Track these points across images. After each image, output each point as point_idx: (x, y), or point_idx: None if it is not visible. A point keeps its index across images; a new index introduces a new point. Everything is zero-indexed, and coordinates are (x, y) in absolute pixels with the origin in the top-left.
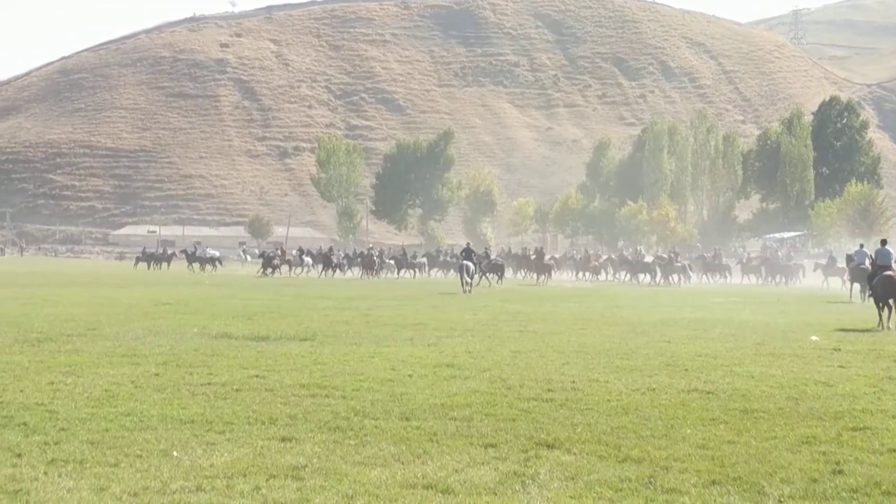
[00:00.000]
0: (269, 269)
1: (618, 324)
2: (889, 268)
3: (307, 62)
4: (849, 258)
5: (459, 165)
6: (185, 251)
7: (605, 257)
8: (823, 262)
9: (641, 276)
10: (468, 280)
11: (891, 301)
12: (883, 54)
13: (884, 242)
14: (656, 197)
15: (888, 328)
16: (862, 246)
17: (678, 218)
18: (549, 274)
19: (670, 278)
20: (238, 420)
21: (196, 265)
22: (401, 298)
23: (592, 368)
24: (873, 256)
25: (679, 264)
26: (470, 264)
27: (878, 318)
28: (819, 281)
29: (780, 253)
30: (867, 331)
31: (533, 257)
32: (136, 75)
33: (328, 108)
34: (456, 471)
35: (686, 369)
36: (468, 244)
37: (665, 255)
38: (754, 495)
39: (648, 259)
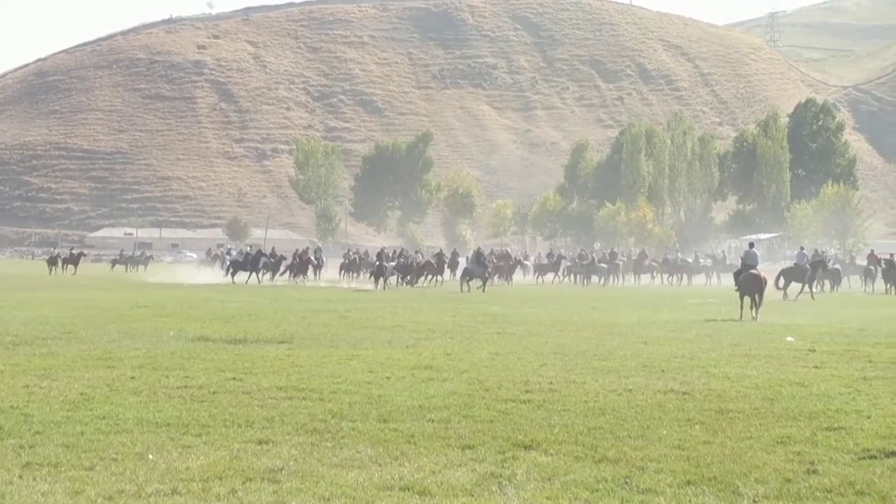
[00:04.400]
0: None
1: (595, 325)
2: (755, 267)
3: (285, 64)
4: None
5: (438, 167)
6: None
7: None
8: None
9: (594, 277)
10: (475, 281)
11: (756, 297)
12: (858, 56)
13: (751, 245)
14: (634, 199)
15: (753, 318)
16: (752, 246)
17: (656, 219)
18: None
19: (589, 279)
20: (214, 423)
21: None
22: (381, 300)
23: (570, 370)
24: (742, 257)
25: (604, 265)
26: (476, 267)
27: (739, 310)
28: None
29: (679, 254)
30: (843, 334)
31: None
32: (113, 77)
33: (306, 109)
34: (433, 472)
35: (662, 370)
36: (478, 248)
37: (587, 255)
38: (729, 495)
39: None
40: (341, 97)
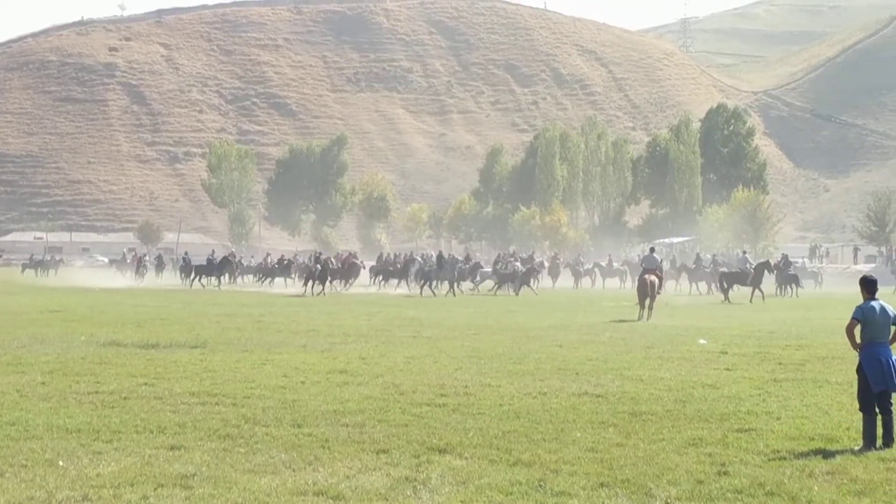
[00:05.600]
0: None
1: (511, 329)
2: (653, 271)
3: (198, 67)
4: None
5: (353, 171)
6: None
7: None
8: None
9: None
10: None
11: (648, 299)
12: (769, 62)
13: (652, 250)
14: (548, 202)
15: (647, 318)
16: (653, 250)
17: (570, 223)
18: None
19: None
20: (126, 429)
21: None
22: (295, 305)
23: (485, 373)
24: (642, 261)
25: (486, 269)
26: (437, 270)
27: (637, 312)
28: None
29: (581, 258)
30: (753, 336)
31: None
32: (23, 79)
33: (219, 112)
34: (347, 477)
35: (577, 373)
36: (440, 251)
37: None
38: (642, 497)
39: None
40: (255, 100)
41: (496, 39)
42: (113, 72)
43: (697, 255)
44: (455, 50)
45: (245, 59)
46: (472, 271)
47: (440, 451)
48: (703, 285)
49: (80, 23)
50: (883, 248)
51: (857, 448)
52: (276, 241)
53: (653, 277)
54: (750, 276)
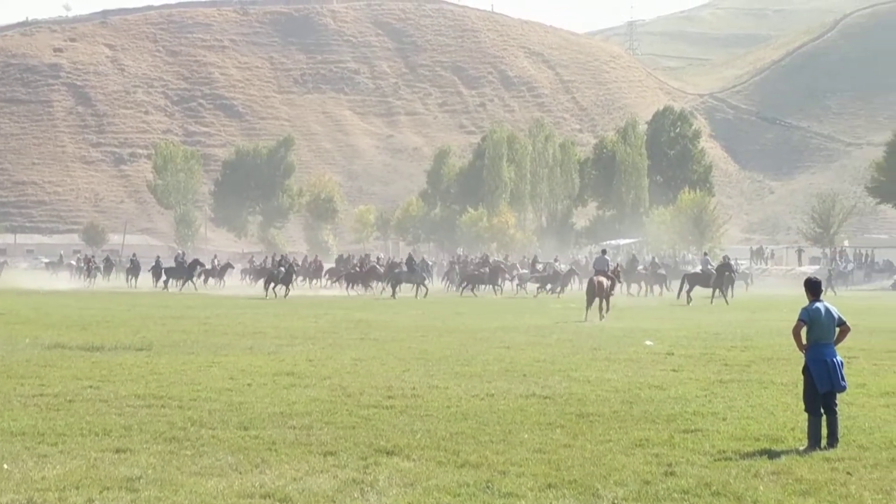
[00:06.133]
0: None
1: (458, 330)
2: (604, 273)
3: (143, 67)
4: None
5: (300, 172)
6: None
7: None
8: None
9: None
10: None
11: (604, 300)
12: (715, 65)
13: (603, 252)
14: (496, 204)
15: (601, 318)
16: (604, 252)
17: (517, 225)
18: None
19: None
20: (71, 432)
21: None
22: (241, 307)
23: (433, 375)
24: (594, 263)
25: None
26: (407, 273)
27: (585, 312)
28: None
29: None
30: (696, 338)
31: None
32: None
33: (165, 113)
34: (294, 479)
35: (524, 374)
36: (410, 253)
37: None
38: (589, 498)
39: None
40: (201, 101)
41: (443, 41)
42: (58, 73)
43: (633, 256)
44: (402, 52)
45: (191, 61)
46: (491, 276)
47: (387, 453)
48: (635, 287)
49: (25, 23)
50: (827, 250)
51: (802, 448)
52: (222, 243)
53: (600, 279)
54: (712, 278)
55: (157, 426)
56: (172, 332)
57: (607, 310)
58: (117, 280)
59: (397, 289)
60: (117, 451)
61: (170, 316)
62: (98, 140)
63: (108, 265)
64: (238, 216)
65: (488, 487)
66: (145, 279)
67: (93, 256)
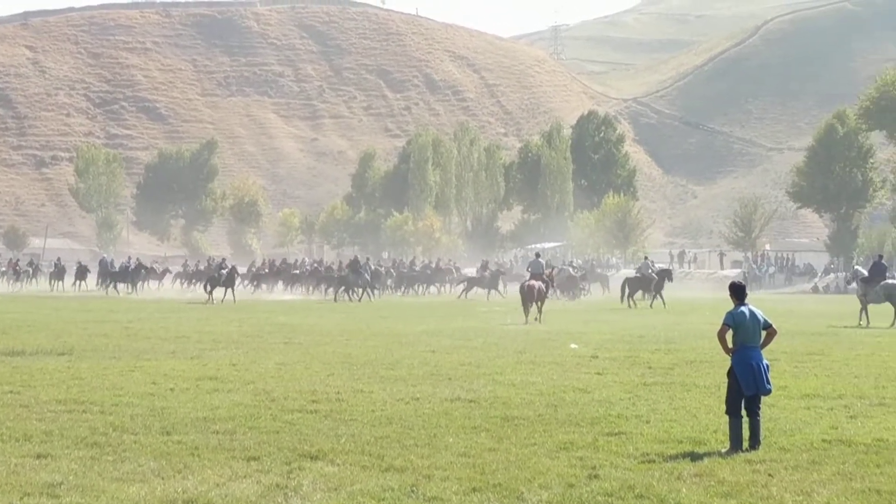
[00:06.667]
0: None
1: (383, 334)
2: (539, 277)
3: (65, 70)
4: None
5: (224, 176)
6: None
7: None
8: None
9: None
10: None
11: (538, 303)
12: (638, 70)
13: (537, 255)
14: (421, 208)
15: (536, 320)
16: (538, 256)
17: (443, 229)
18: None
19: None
20: None
21: None
22: (164, 311)
23: (357, 379)
24: (528, 266)
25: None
26: (352, 276)
27: (524, 316)
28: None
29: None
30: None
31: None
32: None
33: (87, 116)
34: (217, 485)
35: (449, 378)
36: (355, 256)
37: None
38: (513, 501)
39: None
40: (123, 104)
41: (368, 45)
42: None
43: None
44: (327, 55)
45: (113, 63)
46: (492, 279)
47: (312, 458)
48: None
49: None
50: (748, 254)
51: (724, 450)
52: (144, 247)
53: (532, 282)
54: (654, 282)
55: (79, 431)
56: (94, 336)
57: (540, 312)
58: (40, 284)
59: (341, 291)
60: (38, 456)
61: (92, 320)
62: (19, 143)
63: (34, 269)
64: (161, 220)
65: (413, 492)
66: (70, 283)
67: (17, 260)
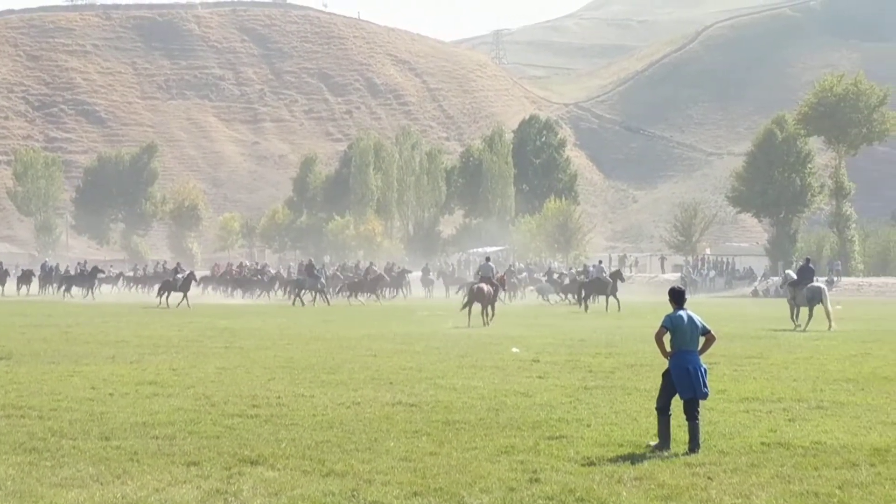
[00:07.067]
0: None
1: (325, 338)
2: (489, 280)
3: (3, 72)
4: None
5: (164, 179)
6: None
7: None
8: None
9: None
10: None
11: (489, 307)
12: (580, 75)
13: (487, 259)
14: (363, 212)
15: (486, 324)
16: (488, 259)
17: (385, 233)
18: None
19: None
20: None
21: None
22: (103, 315)
23: (298, 383)
24: (479, 270)
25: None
26: (307, 279)
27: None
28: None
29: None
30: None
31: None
32: None
33: (25, 119)
34: (157, 490)
35: (391, 382)
36: (310, 260)
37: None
38: None
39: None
40: (63, 107)
41: (309, 48)
42: None
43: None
44: (268, 58)
45: (52, 66)
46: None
47: (252, 463)
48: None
49: None
50: (689, 258)
51: (653, 443)
52: (83, 251)
53: (482, 285)
54: (609, 286)
55: (17, 437)
56: (33, 340)
57: (492, 316)
58: None
59: (298, 295)
60: None
61: (30, 324)
62: None
63: None
64: (100, 224)
65: (354, 496)
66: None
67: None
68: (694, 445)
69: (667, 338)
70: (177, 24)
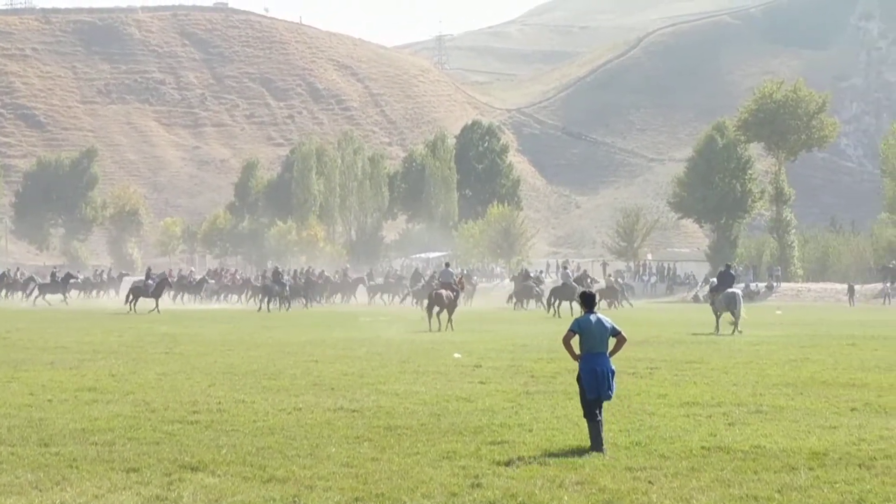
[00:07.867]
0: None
1: (266, 344)
2: (449, 285)
3: None
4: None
5: (104, 184)
6: None
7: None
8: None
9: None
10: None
11: (447, 311)
12: (522, 80)
13: (447, 265)
14: (305, 217)
15: (449, 329)
16: (448, 265)
17: (327, 238)
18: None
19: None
20: None
21: None
22: (40, 321)
23: (239, 389)
24: (438, 275)
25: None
26: (273, 285)
27: (428, 323)
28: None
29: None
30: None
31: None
32: None
33: None
34: (96, 497)
35: (332, 388)
36: (276, 267)
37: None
38: None
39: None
40: (1, 111)
41: (251, 53)
42: None
43: (416, 270)
44: (209, 62)
45: None
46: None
47: (192, 469)
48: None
49: None
50: (631, 263)
51: (588, 448)
52: (23, 256)
53: (441, 291)
54: (576, 291)
55: None
56: None
57: (449, 321)
58: None
59: (266, 301)
60: None
61: None
62: None
63: None
64: (40, 229)
65: (295, 502)
66: None
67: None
68: (597, 444)
69: (575, 341)
70: (117, 28)
